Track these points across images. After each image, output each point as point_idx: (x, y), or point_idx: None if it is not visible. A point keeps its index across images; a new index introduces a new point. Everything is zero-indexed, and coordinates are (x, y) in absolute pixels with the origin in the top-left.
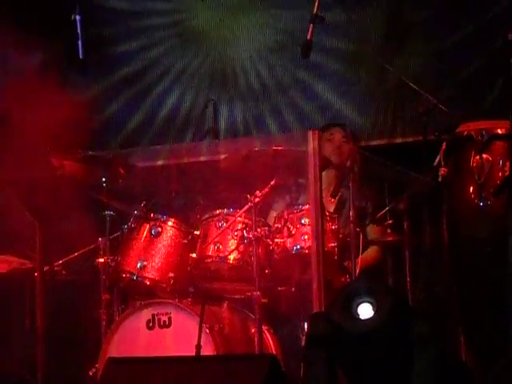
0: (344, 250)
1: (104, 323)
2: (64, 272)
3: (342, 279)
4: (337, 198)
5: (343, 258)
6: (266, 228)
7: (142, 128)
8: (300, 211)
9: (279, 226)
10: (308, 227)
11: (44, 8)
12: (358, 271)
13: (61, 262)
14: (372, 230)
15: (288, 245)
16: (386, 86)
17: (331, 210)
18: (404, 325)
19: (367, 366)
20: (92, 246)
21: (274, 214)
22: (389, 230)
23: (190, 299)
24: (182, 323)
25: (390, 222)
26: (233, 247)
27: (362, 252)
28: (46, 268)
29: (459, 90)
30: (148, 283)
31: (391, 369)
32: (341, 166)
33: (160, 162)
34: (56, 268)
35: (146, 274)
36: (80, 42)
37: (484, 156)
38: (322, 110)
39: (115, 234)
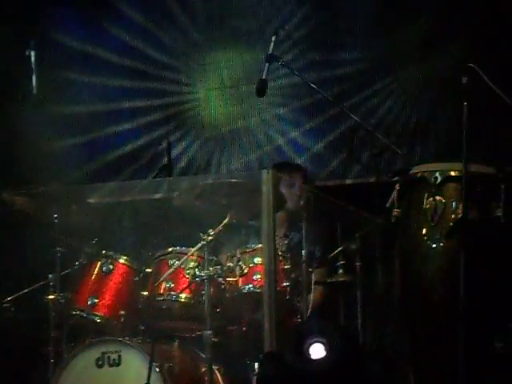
0: (296, 290)
1: (52, 361)
2: (13, 308)
3: (294, 319)
4: (289, 238)
5: (295, 298)
6: (218, 267)
7: (96, 164)
8: (253, 250)
9: (231, 264)
10: (260, 267)
11: None
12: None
13: (10, 298)
14: (317, 272)
15: (240, 284)
16: (339, 128)
17: (283, 249)
18: (356, 364)
19: None
20: (42, 283)
21: (226, 253)
22: (340, 271)
23: (140, 337)
24: (131, 361)
25: (342, 262)
26: (184, 286)
27: (309, 293)
28: None
29: (412, 132)
30: (98, 321)
31: None
32: (295, 208)
33: (113, 199)
34: (5, 304)
35: (97, 312)
36: (34, 77)
37: (437, 198)
38: (275, 150)
39: (66, 271)
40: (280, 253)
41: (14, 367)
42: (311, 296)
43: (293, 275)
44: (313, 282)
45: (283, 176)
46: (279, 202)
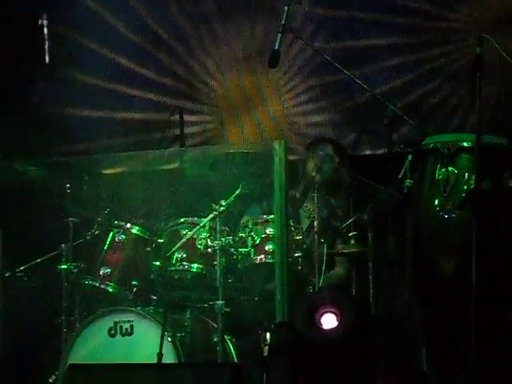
0: (308, 260)
1: (65, 330)
2: (26, 278)
3: (306, 290)
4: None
5: (307, 269)
6: (230, 237)
7: (108, 134)
8: (264, 221)
9: (243, 235)
10: (272, 237)
11: (10, 12)
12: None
13: (23, 267)
14: (344, 246)
15: (252, 254)
16: (353, 99)
17: (304, 225)
18: (367, 335)
19: (331, 375)
20: (54, 253)
21: (246, 218)
22: (352, 242)
23: (152, 307)
24: (144, 331)
25: (355, 233)
26: (196, 256)
27: (327, 263)
28: (7, 274)
29: (425, 102)
30: (111, 290)
31: (354, 378)
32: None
33: (125, 169)
34: (18, 274)
35: (109, 282)
36: (47, 47)
37: (449, 169)
38: (287, 123)
39: (79, 241)
40: (292, 223)
41: (28, 337)
42: (329, 273)
43: (305, 245)
44: (324, 252)
45: (321, 152)
46: (294, 174)
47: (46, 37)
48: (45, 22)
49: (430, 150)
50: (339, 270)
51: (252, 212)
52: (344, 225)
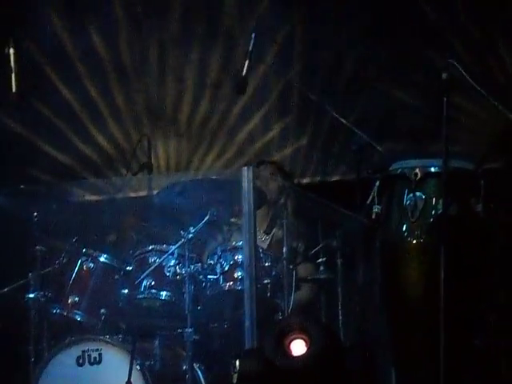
0: (277, 287)
1: (32, 360)
2: None
3: (275, 316)
4: (270, 235)
5: (276, 295)
6: (199, 264)
7: (76, 162)
8: (233, 248)
9: (212, 262)
10: (241, 264)
11: None
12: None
13: None
14: (303, 268)
15: (221, 282)
16: (320, 125)
17: (264, 247)
18: (337, 361)
19: None
20: (22, 281)
21: (208, 251)
22: (322, 268)
23: (121, 335)
24: (112, 360)
25: (323, 259)
26: (165, 283)
27: (295, 290)
28: None
29: (393, 128)
30: (79, 319)
31: None
32: (272, 202)
33: (93, 197)
34: None
35: (77, 310)
36: (13, 76)
37: (417, 194)
38: (257, 148)
39: (46, 269)
40: (261, 250)
41: None
42: (297, 293)
43: (274, 272)
44: (293, 278)
45: (262, 173)
46: (260, 199)
47: (13, 65)
48: (11, 50)
49: (397, 176)
50: (305, 289)
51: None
52: (313, 251)
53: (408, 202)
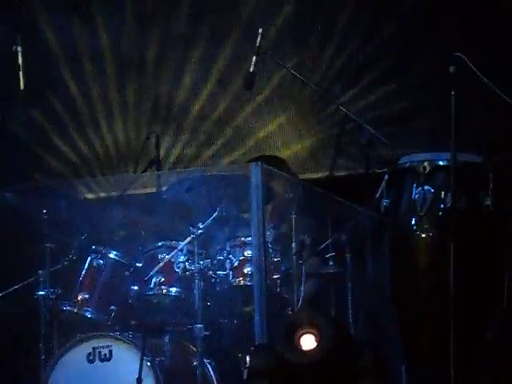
0: (286, 282)
1: (43, 357)
2: (3, 305)
3: (285, 311)
4: (278, 229)
5: (285, 290)
6: (208, 260)
7: (85, 159)
8: (242, 243)
9: (221, 258)
10: (250, 259)
11: None
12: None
13: (0, 294)
14: (311, 263)
15: (230, 277)
16: (328, 119)
17: (272, 241)
18: (346, 355)
19: None
20: (32, 279)
21: (216, 246)
22: (331, 262)
23: (131, 332)
24: (123, 356)
25: (333, 254)
26: (175, 280)
27: (304, 285)
28: None
29: (401, 122)
30: (89, 316)
31: None
32: (279, 197)
33: (102, 194)
34: None
35: (87, 307)
36: (21, 73)
37: (426, 187)
38: (264, 143)
39: (56, 267)
40: (270, 245)
41: (5, 364)
42: (304, 287)
43: (283, 267)
44: (303, 273)
45: (270, 168)
46: (268, 195)
47: (21, 63)
48: (19, 48)
49: (406, 169)
50: (311, 283)
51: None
52: (322, 246)
53: (417, 196)
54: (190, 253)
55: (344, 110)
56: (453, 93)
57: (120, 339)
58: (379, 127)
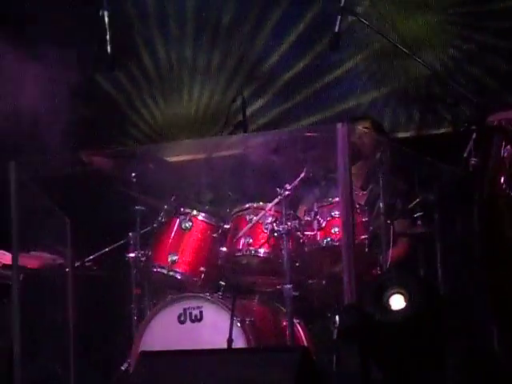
0: (375, 242)
1: (135, 318)
2: (95, 267)
3: (373, 271)
4: (367, 190)
5: (374, 251)
6: (296, 221)
7: (172, 122)
8: (330, 204)
9: (309, 219)
10: (338, 220)
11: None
12: (388, 264)
13: (92, 257)
14: (400, 224)
15: (318, 238)
16: (415, 78)
17: (361, 202)
18: (436, 316)
19: (399, 356)
20: (122, 241)
21: (303, 207)
22: (419, 222)
23: (220, 293)
24: (213, 317)
25: (421, 213)
26: (263, 241)
27: (393, 245)
28: (77, 264)
29: (489, 80)
30: (179, 277)
31: (423, 360)
32: (367, 158)
33: (189, 157)
34: (87, 263)
35: (177, 269)
36: (108, 37)
37: None
38: (352, 104)
39: (146, 229)
40: (357, 205)
41: (98, 326)
42: (394, 248)
43: (371, 228)
44: (391, 234)
45: (357, 129)
46: (355, 155)
47: (107, 27)
48: (105, 12)
49: (494, 128)
50: (401, 243)
51: (306, 201)
52: (410, 206)
53: (506, 154)
54: (277, 214)
55: (430, 68)
56: None
57: (210, 300)
58: (467, 85)
